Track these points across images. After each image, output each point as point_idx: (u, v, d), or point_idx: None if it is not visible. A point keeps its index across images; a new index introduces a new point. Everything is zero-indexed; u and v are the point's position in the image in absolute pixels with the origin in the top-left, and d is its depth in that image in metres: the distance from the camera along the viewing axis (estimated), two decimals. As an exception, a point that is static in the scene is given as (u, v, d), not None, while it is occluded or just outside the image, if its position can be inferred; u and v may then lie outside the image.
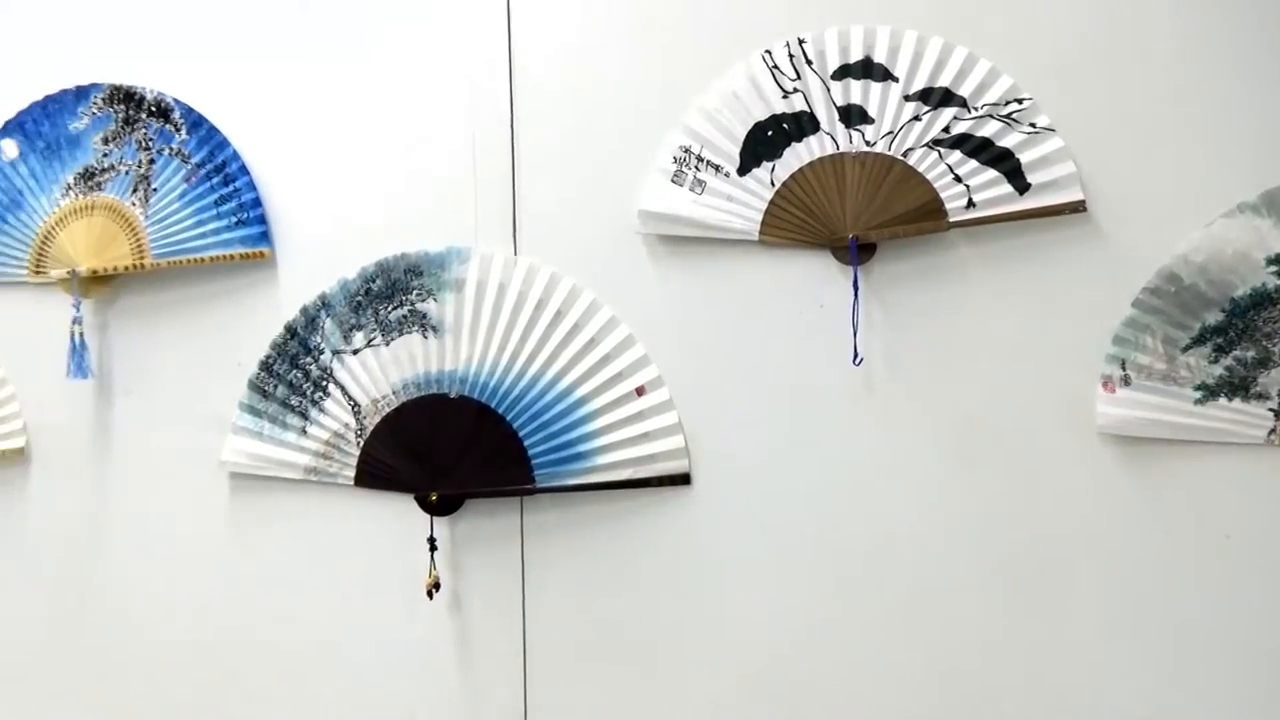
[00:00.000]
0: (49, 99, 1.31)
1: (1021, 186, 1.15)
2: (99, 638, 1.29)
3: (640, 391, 1.20)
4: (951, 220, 1.16)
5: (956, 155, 1.16)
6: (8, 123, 1.32)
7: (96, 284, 1.29)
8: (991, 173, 1.15)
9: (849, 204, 1.17)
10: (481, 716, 1.22)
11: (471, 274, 1.22)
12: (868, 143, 1.17)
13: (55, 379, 1.27)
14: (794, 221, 1.19)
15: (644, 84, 1.22)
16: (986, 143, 1.15)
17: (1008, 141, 1.15)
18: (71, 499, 1.30)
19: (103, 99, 1.30)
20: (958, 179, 1.15)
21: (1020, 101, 1.15)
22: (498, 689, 1.22)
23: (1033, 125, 1.15)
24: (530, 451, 1.21)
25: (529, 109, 1.24)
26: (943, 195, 1.16)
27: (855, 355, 1.16)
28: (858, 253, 1.16)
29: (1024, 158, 1.15)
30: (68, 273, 1.27)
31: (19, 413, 1.31)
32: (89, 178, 1.30)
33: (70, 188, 1.30)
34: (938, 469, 1.17)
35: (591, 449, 1.20)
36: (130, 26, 1.31)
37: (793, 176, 1.19)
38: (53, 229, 1.30)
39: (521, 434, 1.21)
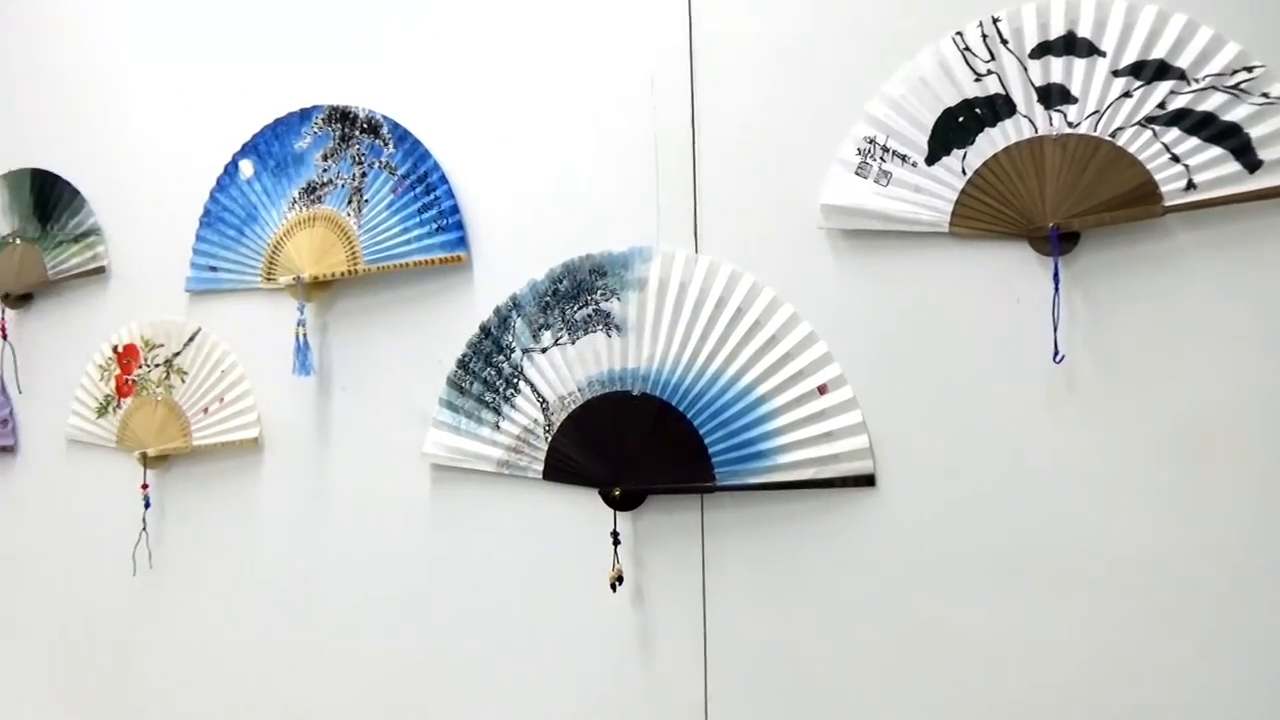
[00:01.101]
0: (277, 121, 1.45)
1: (1252, 164, 1.03)
2: (316, 608, 1.42)
3: (822, 390, 1.18)
4: (1167, 204, 1.05)
5: (1174, 133, 1.05)
6: (244, 145, 1.47)
7: (317, 289, 1.41)
8: (1215, 150, 1.04)
9: (1049, 190, 1.10)
10: (663, 709, 1.24)
11: (653, 273, 1.24)
12: (1070, 124, 1.09)
13: (283, 376, 1.41)
14: (988, 211, 1.13)
15: (825, 75, 1.20)
16: (1209, 117, 1.04)
17: (1235, 115, 1.04)
18: (296, 483, 1.43)
19: (322, 119, 1.43)
20: (1175, 159, 1.05)
21: (1250, 70, 1.03)
22: (679, 683, 1.23)
23: (1265, 95, 1.03)
24: (711, 449, 1.21)
25: (710, 105, 1.24)
26: (1157, 177, 1.06)
27: (1056, 352, 1.08)
28: (1059, 243, 1.08)
29: (1255, 132, 1.03)
30: (293, 279, 1.40)
31: (254, 405, 1.46)
32: (311, 192, 1.42)
33: (295, 201, 1.43)
34: (1155, 476, 1.07)
35: (772, 448, 1.19)
36: (340, 48, 1.43)
37: (986, 164, 1.13)
38: (281, 240, 1.43)
39: (702, 432, 1.22)
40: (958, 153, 1.14)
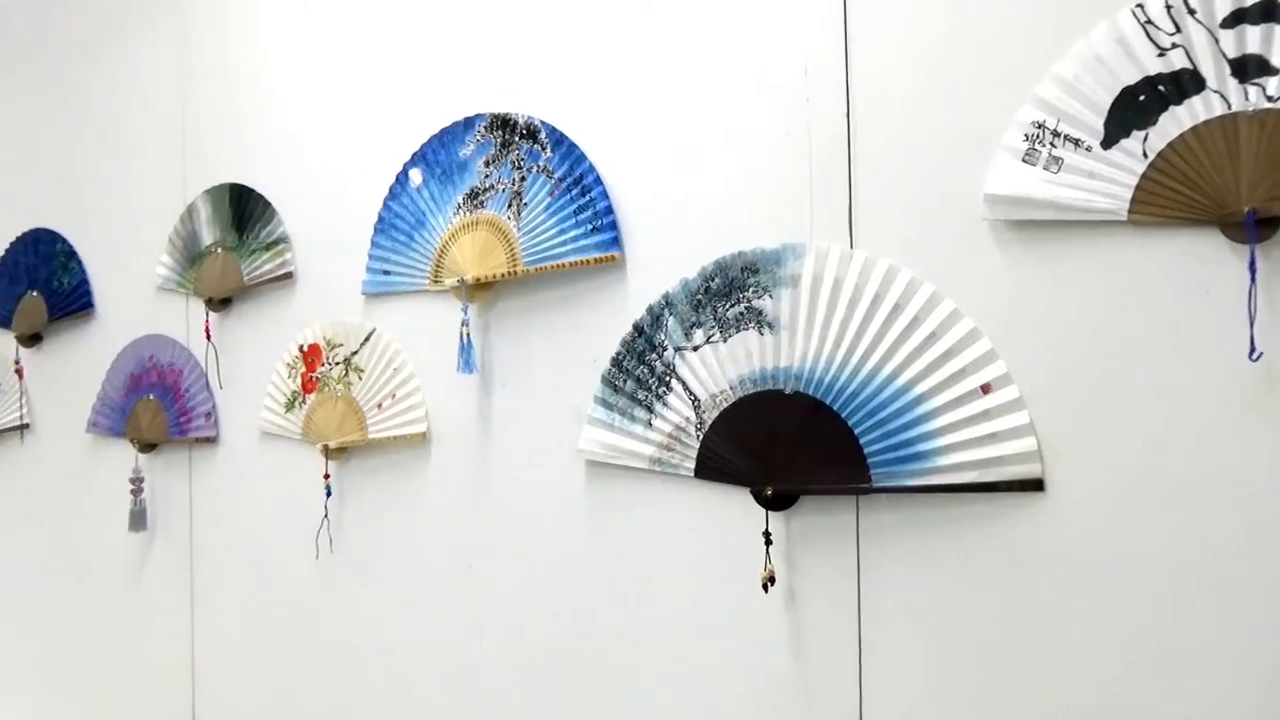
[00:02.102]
0: (444, 131, 1.52)
1: None
2: (477, 592, 1.48)
3: (986, 389, 1.12)
4: (1389, 183, 0.94)
5: (1397, 102, 0.94)
6: (414, 155, 1.55)
7: (480, 290, 1.47)
8: None
9: (1244, 172, 1.00)
10: (815, 712, 1.21)
11: (807, 269, 1.22)
12: (1269, 98, 0.99)
13: (448, 373, 1.47)
14: (1172, 196, 1.04)
15: (988, 58, 1.14)
16: None
17: None
18: (460, 475, 1.50)
19: (485, 127, 1.48)
20: (1397, 132, 0.94)
21: None
22: (832, 688, 1.20)
23: None
24: (866, 450, 1.18)
25: (865, 94, 1.21)
26: (1375, 153, 0.94)
27: (1252, 349, 0.99)
28: (1255, 229, 0.99)
29: None
30: (458, 281, 1.46)
31: (423, 401, 1.53)
32: (474, 197, 1.48)
33: (460, 207, 1.50)
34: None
35: (932, 449, 1.14)
36: (498, 57, 1.48)
37: (1171, 145, 1.04)
38: (447, 243, 1.50)
39: (857, 431, 1.19)
40: (1138, 134, 1.05)
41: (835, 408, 1.20)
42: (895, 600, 1.17)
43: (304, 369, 1.66)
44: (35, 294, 2.02)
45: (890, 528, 1.18)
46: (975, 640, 1.13)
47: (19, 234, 2.06)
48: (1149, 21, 1.05)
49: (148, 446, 1.85)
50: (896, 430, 1.16)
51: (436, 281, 1.51)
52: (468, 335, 1.45)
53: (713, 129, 1.31)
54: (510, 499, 1.45)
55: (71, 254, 1.98)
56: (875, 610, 1.18)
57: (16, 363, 2.04)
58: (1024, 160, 1.11)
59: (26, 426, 2.05)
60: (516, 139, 1.45)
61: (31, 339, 2.03)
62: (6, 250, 2.08)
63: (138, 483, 1.85)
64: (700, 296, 1.29)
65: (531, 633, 1.43)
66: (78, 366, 1.97)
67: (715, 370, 1.28)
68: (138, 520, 1.84)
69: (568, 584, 1.40)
